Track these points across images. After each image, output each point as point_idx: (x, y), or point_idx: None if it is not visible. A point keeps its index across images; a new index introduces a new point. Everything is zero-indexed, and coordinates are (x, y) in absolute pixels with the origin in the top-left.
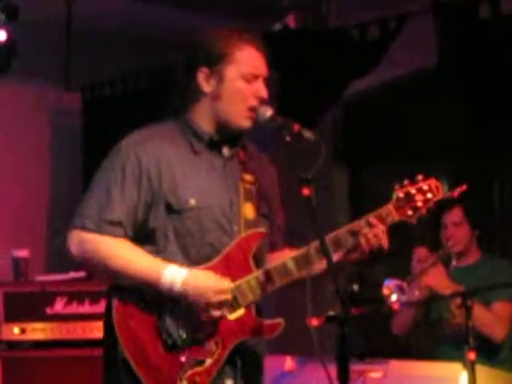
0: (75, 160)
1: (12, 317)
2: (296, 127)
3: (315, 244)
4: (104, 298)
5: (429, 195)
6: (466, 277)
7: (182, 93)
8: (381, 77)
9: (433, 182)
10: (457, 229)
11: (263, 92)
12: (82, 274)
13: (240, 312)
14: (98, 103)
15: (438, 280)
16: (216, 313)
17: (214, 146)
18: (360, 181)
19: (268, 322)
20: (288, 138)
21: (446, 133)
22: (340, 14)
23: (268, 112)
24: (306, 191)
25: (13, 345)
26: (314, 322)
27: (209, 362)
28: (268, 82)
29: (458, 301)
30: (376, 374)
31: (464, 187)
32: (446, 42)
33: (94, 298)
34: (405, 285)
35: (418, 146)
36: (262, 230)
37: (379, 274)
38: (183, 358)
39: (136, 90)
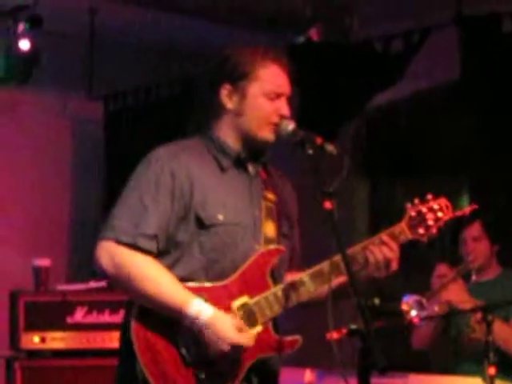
0: (97, 169)
1: (32, 326)
2: (319, 140)
3: (330, 260)
4: (123, 309)
5: (439, 214)
6: (486, 292)
7: (205, 109)
8: (404, 90)
9: (443, 201)
10: (476, 244)
11: (285, 110)
12: (102, 283)
13: (258, 329)
14: (120, 113)
15: (457, 295)
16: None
17: (240, 163)
18: (381, 194)
19: (286, 338)
20: (310, 151)
21: (468, 147)
22: (363, 26)
23: (290, 125)
24: (328, 205)
25: (33, 354)
26: (335, 336)
27: (227, 379)
28: (290, 97)
29: (478, 316)
30: None
31: (475, 206)
32: (469, 55)
33: (114, 307)
34: (424, 300)
35: (440, 160)
36: (279, 247)
37: (399, 288)
38: (202, 375)
39: (158, 101)
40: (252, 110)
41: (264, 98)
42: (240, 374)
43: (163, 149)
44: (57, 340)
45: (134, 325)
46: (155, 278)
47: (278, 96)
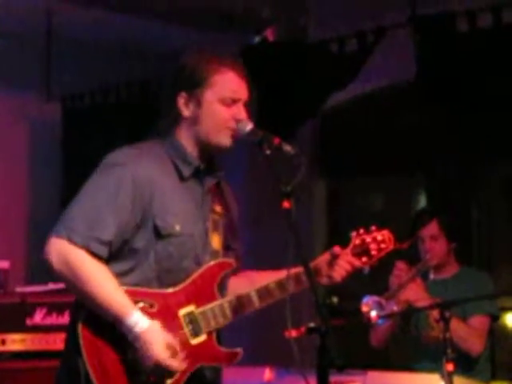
0: (55, 171)
1: None
2: (276, 140)
3: (277, 278)
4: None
5: (382, 245)
6: (444, 290)
7: (164, 116)
8: (359, 89)
9: (386, 232)
10: (434, 242)
11: (242, 115)
12: (61, 285)
13: (202, 338)
14: (78, 114)
15: (416, 294)
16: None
17: (198, 174)
18: (338, 193)
19: (228, 350)
20: (268, 152)
21: (424, 146)
22: (318, 26)
23: (248, 126)
24: (286, 204)
25: None
26: (294, 334)
27: (170, 382)
28: (248, 99)
29: (436, 314)
30: None
31: (411, 241)
32: (424, 54)
33: None
34: (383, 301)
35: (396, 159)
36: (230, 260)
37: (357, 287)
38: (144, 378)
39: (116, 102)
40: (208, 117)
41: (219, 104)
42: (181, 380)
43: (125, 152)
44: (16, 342)
45: (81, 327)
46: (101, 282)
47: (234, 102)
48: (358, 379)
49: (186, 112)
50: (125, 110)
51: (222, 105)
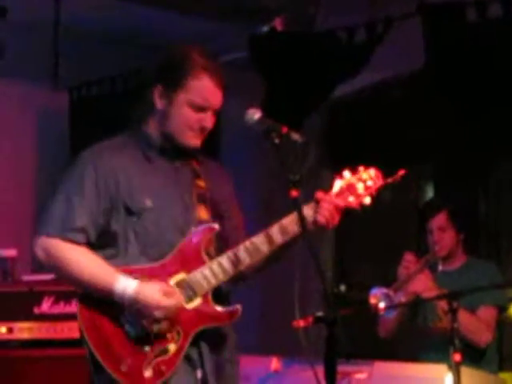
0: (62, 160)
1: None
2: (284, 129)
3: (265, 233)
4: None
5: (369, 183)
6: (452, 281)
7: (142, 105)
8: (368, 79)
9: (372, 170)
10: (442, 233)
11: (208, 123)
12: None
13: (197, 301)
14: (85, 103)
15: (424, 285)
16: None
17: (165, 153)
18: None
19: (226, 309)
20: (276, 140)
21: (432, 135)
22: (327, 17)
23: (256, 114)
24: (294, 193)
25: (0, 344)
26: (301, 323)
27: (172, 350)
28: (254, 85)
29: (444, 305)
30: (361, 375)
31: (402, 171)
32: (433, 44)
33: None
34: (391, 292)
35: (404, 149)
36: (211, 224)
37: (365, 276)
38: (147, 348)
39: (123, 91)
40: (175, 117)
41: (189, 108)
42: (184, 345)
43: (92, 147)
44: (24, 330)
45: (79, 307)
46: (81, 261)
47: (204, 109)
48: (365, 369)
49: (159, 105)
50: (132, 99)
51: (191, 109)
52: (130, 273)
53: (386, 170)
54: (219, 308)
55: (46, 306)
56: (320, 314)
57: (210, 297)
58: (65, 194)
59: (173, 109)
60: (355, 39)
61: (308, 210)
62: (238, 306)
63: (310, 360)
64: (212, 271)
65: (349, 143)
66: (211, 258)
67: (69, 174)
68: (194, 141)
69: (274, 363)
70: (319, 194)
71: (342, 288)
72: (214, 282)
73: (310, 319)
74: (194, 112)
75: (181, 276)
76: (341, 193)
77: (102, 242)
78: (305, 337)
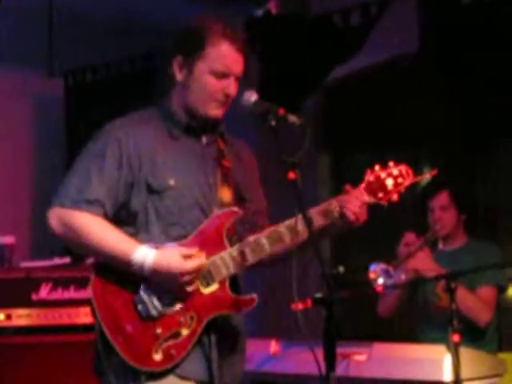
0: (58, 146)
1: None
2: (281, 111)
3: (287, 222)
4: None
5: (399, 180)
6: (452, 261)
7: (162, 79)
8: (363, 62)
9: (403, 166)
10: (444, 212)
11: (232, 90)
12: (66, 259)
13: (214, 287)
14: (80, 89)
15: (424, 263)
16: (189, 288)
17: (190, 131)
18: (342, 166)
19: (243, 296)
20: (273, 123)
21: (428, 119)
22: None
23: (253, 97)
24: (292, 175)
25: None
26: (300, 306)
27: (184, 335)
28: (248, 69)
29: (444, 284)
30: (360, 357)
31: (433, 171)
32: (428, 27)
33: (79, 283)
34: (391, 268)
35: (400, 132)
36: (234, 208)
37: (364, 257)
38: (159, 330)
39: (118, 76)
40: (197, 86)
41: (211, 76)
42: (197, 330)
43: (116, 121)
44: (22, 317)
45: (92, 281)
46: (100, 231)
47: (226, 75)
48: (364, 351)
49: (179, 76)
50: (127, 84)
51: (213, 77)
52: None
53: (382, 152)
54: (235, 296)
55: (43, 292)
56: (319, 295)
57: (227, 284)
58: (84, 166)
59: (194, 78)
60: (350, 22)
61: (335, 204)
62: (254, 296)
63: (309, 342)
64: (232, 258)
65: (345, 126)
66: (232, 242)
67: (90, 146)
68: (216, 111)
69: (273, 346)
70: (348, 188)
71: (341, 269)
72: (232, 269)
73: (309, 301)
74: (216, 80)
75: None
76: (370, 188)
77: (121, 219)
78: (303, 319)
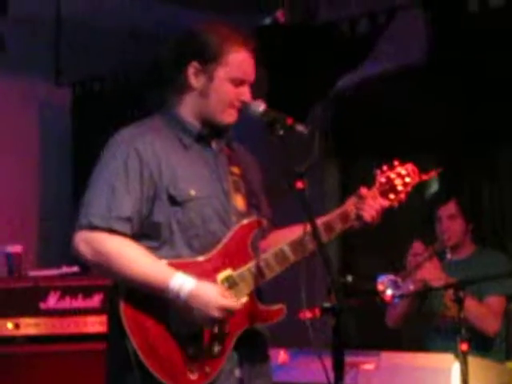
0: (65, 155)
1: (5, 312)
2: (289, 121)
3: (308, 230)
4: (101, 292)
5: (407, 179)
6: (460, 270)
7: (169, 83)
8: (371, 71)
9: (410, 166)
10: (452, 222)
11: (247, 96)
12: (74, 268)
13: (244, 300)
14: (87, 99)
15: (432, 273)
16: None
17: (202, 140)
18: (351, 175)
19: (272, 307)
20: (281, 132)
21: (436, 127)
22: (329, 8)
23: (261, 106)
24: (299, 185)
25: (6, 340)
26: (308, 315)
27: (217, 351)
28: (257, 78)
29: (452, 294)
30: (368, 366)
31: (438, 170)
32: (436, 35)
33: (87, 292)
34: (399, 279)
35: (408, 141)
36: (259, 218)
37: (372, 265)
38: (192, 350)
39: (126, 86)
40: (217, 94)
41: (229, 84)
42: (228, 348)
43: (127, 131)
44: (30, 326)
45: (122, 306)
46: (135, 258)
47: (242, 83)
48: (372, 360)
49: (196, 83)
50: (134, 94)
51: (232, 84)
52: (178, 267)
53: (389, 159)
54: (265, 307)
55: (52, 301)
56: (327, 304)
57: (254, 295)
58: (107, 182)
59: (213, 86)
60: (357, 30)
61: (351, 207)
62: (283, 306)
63: (318, 351)
64: (259, 268)
65: (353, 134)
66: (256, 252)
67: (109, 158)
68: (231, 118)
69: (282, 355)
70: (363, 191)
71: (349, 278)
72: (260, 279)
73: (317, 310)
74: (233, 87)
75: (228, 272)
76: (383, 189)
77: (144, 233)
78: (312, 328)
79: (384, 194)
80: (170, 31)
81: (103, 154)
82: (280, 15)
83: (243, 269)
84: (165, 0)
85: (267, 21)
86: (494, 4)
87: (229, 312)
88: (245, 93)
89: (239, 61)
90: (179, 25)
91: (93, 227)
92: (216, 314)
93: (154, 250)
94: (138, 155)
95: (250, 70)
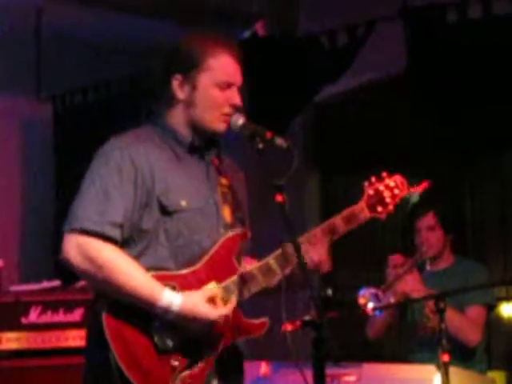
0: (47, 170)
1: None
2: (268, 134)
3: (276, 255)
4: (82, 306)
5: (396, 191)
6: (440, 281)
7: (156, 98)
8: (351, 82)
9: (398, 178)
10: (430, 233)
11: (237, 99)
12: (55, 282)
13: (233, 300)
14: (69, 112)
15: (412, 286)
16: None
17: (194, 150)
18: (331, 187)
19: (254, 321)
20: (260, 145)
21: (416, 138)
22: (309, 20)
23: (240, 120)
24: (279, 198)
25: None
26: (289, 327)
27: (201, 364)
28: (241, 84)
29: (432, 305)
30: (350, 378)
31: (428, 183)
32: (415, 46)
33: (69, 306)
34: (380, 293)
35: (389, 152)
36: (245, 231)
37: (352, 277)
38: (175, 362)
39: (107, 99)
40: (203, 101)
41: (215, 89)
42: (212, 359)
43: (120, 138)
44: (12, 340)
45: (104, 317)
46: (126, 270)
47: (229, 86)
48: (354, 372)
49: (181, 95)
50: (115, 106)
51: (218, 89)
52: (163, 280)
53: (370, 173)
54: (249, 320)
55: (33, 315)
56: (308, 317)
57: (239, 309)
58: (100, 187)
59: (198, 93)
60: (337, 43)
61: (339, 221)
62: (265, 320)
63: (299, 364)
64: (244, 282)
65: (333, 146)
66: (240, 265)
67: (102, 163)
68: (221, 125)
69: (263, 368)
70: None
71: (329, 292)
72: (246, 293)
73: (298, 323)
74: (220, 92)
75: (212, 285)
76: (371, 202)
77: (128, 239)
78: (293, 341)
79: (371, 207)
80: (151, 44)
81: (94, 160)
82: (260, 28)
83: (228, 282)
84: (144, 14)
85: (247, 34)
86: (472, 15)
87: (219, 321)
88: (233, 96)
89: (221, 64)
90: (158, 37)
91: (84, 231)
92: (209, 325)
93: (135, 257)
94: (132, 162)
95: (235, 72)
